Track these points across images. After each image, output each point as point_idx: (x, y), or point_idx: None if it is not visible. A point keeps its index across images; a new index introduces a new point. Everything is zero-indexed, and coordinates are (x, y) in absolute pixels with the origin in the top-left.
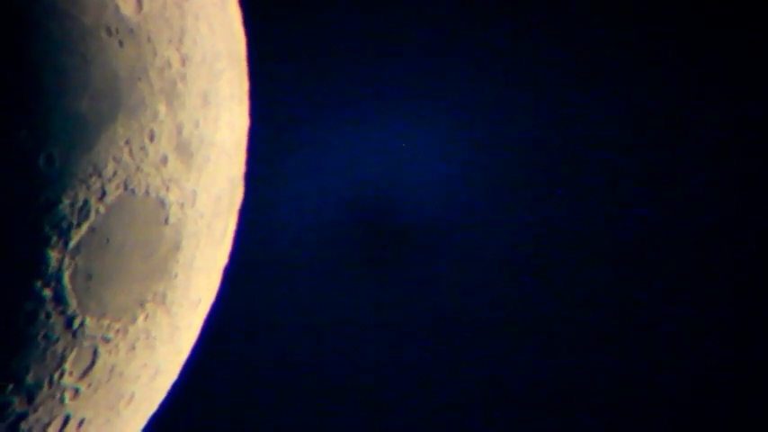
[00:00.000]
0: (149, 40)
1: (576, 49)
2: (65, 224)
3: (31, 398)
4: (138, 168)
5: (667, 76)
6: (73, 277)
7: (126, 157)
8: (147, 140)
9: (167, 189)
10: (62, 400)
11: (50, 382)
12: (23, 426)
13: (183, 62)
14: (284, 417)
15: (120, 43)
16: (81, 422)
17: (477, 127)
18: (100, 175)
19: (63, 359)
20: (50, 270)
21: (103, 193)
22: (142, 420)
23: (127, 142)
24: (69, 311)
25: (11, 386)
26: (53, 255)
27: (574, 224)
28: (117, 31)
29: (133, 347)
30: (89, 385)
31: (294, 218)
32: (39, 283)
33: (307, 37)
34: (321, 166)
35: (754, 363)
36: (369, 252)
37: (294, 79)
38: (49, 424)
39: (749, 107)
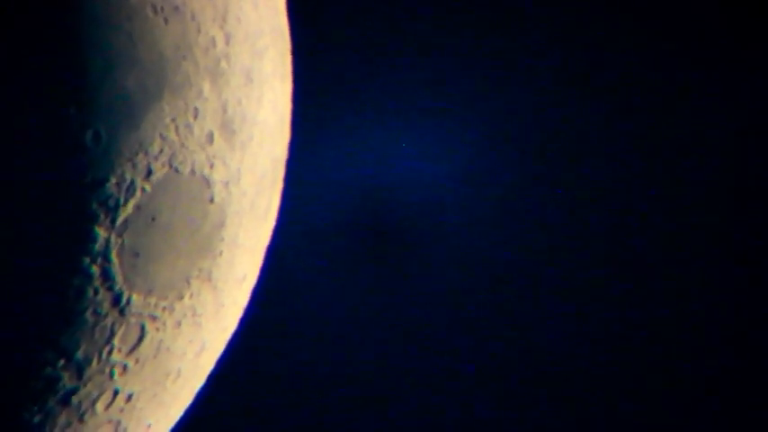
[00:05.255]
0: (194, 18)
1: (577, 48)
2: (111, 202)
3: (80, 373)
4: (183, 146)
5: (668, 76)
6: (120, 254)
7: (172, 134)
8: (192, 118)
9: (212, 167)
10: (111, 375)
11: (99, 358)
12: (74, 399)
13: (227, 40)
14: (282, 412)
15: (166, 21)
16: (129, 397)
17: (479, 127)
18: (146, 153)
19: (111, 335)
20: (98, 247)
21: (149, 172)
22: (189, 396)
23: (173, 120)
24: (117, 288)
25: (62, 361)
26: (100, 232)
27: (574, 224)
28: (162, 9)
29: (179, 324)
30: (137, 361)
31: (293, 218)
32: (87, 260)
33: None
34: (320, 166)
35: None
36: (369, 253)
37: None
38: (98, 398)
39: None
